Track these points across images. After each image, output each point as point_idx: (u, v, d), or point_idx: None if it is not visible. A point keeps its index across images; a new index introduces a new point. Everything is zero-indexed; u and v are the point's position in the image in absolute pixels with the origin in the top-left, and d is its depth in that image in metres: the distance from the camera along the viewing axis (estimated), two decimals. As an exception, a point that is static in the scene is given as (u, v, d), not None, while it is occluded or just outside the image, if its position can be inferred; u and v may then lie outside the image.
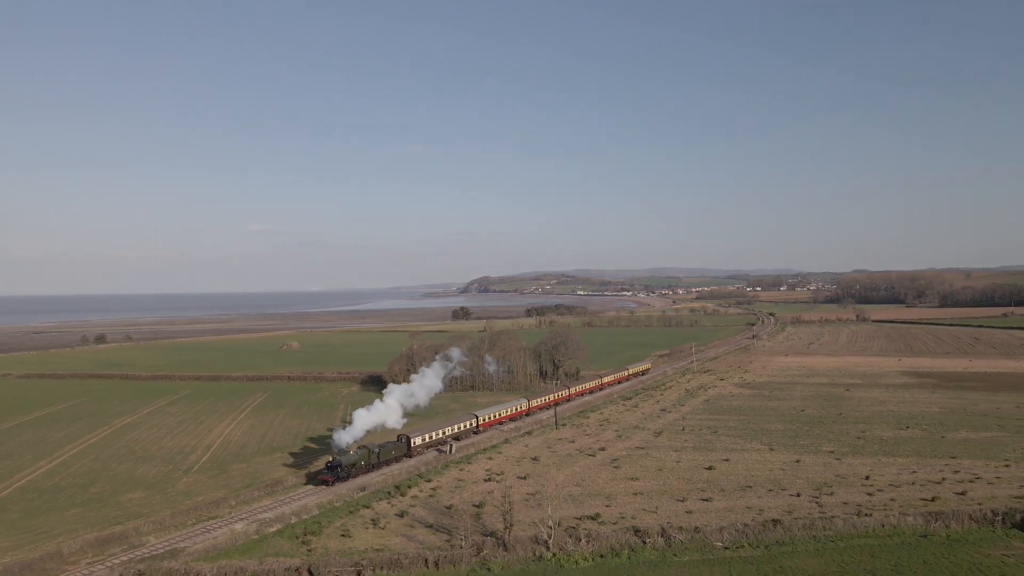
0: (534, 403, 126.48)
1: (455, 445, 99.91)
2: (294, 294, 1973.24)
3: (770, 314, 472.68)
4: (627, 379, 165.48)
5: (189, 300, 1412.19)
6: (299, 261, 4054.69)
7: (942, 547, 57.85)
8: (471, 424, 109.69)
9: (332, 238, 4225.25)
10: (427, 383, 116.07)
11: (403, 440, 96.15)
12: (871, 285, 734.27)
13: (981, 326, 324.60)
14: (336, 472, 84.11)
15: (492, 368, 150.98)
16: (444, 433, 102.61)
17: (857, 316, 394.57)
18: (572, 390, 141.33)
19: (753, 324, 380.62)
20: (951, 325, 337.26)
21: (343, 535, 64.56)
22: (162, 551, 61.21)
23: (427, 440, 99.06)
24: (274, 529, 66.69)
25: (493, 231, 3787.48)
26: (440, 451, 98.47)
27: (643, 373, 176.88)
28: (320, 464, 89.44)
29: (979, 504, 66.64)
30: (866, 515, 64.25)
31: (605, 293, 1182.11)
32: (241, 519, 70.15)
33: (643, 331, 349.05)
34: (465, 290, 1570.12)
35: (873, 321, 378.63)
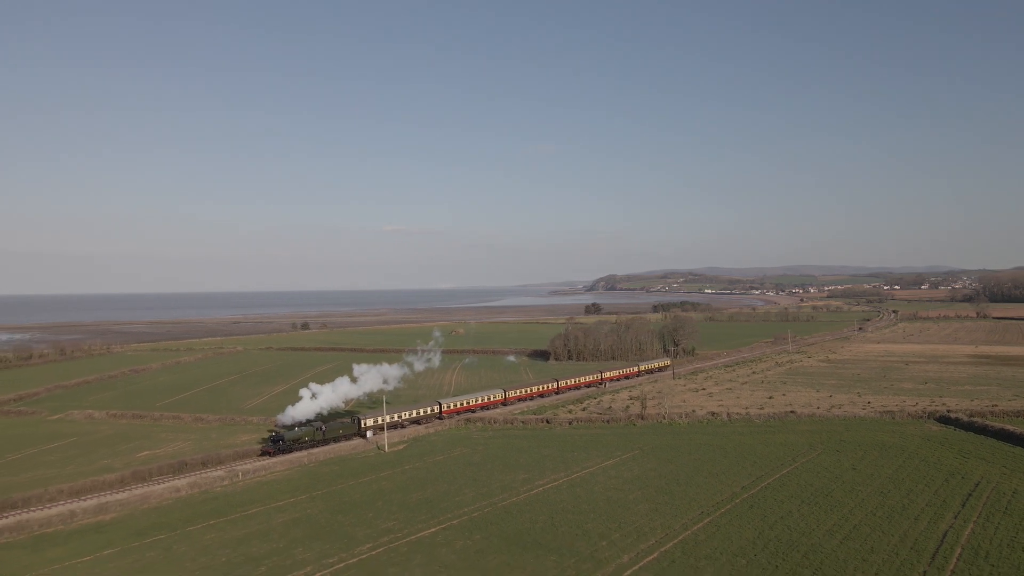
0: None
1: (608, 382, 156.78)
2: (427, 291, 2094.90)
3: (893, 311, 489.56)
4: (637, 374, 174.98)
5: (336, 296, 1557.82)
6: (430, 259, 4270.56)
7: (880, 424, 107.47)
8: (434, 410, 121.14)
9: (461, 237, 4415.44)
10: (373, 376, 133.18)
11: (354, 420, 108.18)
12: (1019, 283, 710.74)
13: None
14: (277, 445, 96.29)
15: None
16: (401, 417, 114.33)
17: (977, 313, 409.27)
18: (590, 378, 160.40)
19: (868, 319, 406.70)
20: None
21: (554, 414, 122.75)
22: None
23: (378, 422, 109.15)
24: (519, 411, 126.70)
25: (620, 229, 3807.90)
26: (568, 392, 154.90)
27: (659, 369, 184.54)
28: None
29: (920, 409, 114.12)
30: (848, 413, 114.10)
31: (733, 291, 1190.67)
32: (501, 410, 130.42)
33: (760, 325, 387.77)
34: (592, 288, 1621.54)
35: (993, 318, 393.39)
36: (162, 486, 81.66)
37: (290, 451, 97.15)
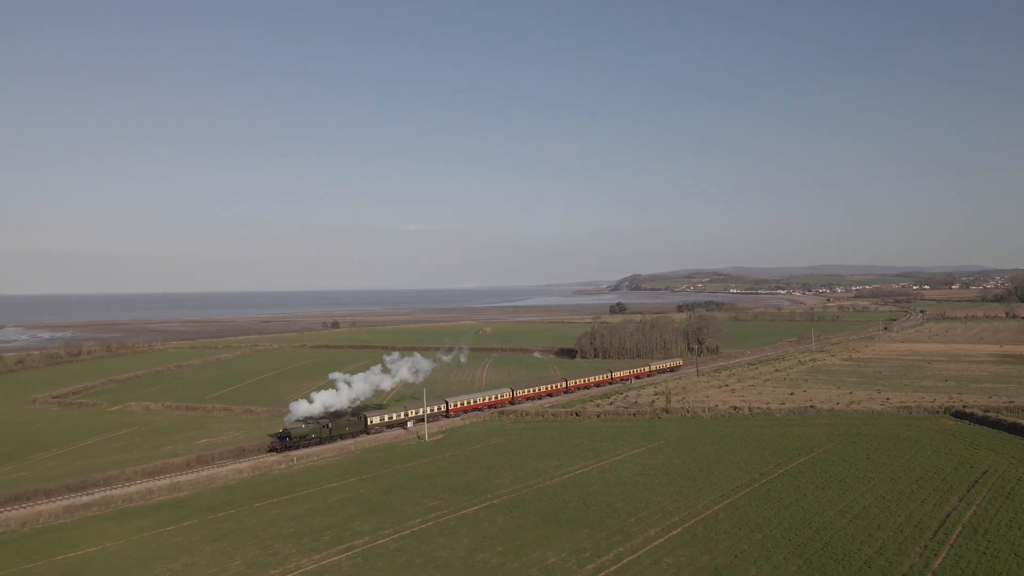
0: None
1: (633, 380, 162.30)
2: (450, 291, 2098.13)
3: (920, 311, 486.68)
4: (648, 374, 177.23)
5: (359, 296, 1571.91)
6: (452, 259, 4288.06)
7: (897, 418, 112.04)
8: (441, 408, 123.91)
9: (483, 237, 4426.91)
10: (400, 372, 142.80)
11: (360, 418, 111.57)
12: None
13: None
14: (284, 442, 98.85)
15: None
16: (406, 415, 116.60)
17: (1006, 313, 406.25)
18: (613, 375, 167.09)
19: (894, 319, 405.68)
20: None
21: (583, 407, 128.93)
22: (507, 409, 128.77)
23: (384, 420, 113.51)
24: (549, 404, 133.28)
25: (644, 229, 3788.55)
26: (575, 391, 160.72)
27: (671, 369, 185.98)
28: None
29: (937, 405, 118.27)
30: (866, 408, 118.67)
31: (758, 291, 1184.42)
32: (531, 403, 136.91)
33: (784, 324, 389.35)
34: (616, 288, 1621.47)
35: (1022, 318, 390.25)
36: (226, 468, 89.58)
37: (296, 448, 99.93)
